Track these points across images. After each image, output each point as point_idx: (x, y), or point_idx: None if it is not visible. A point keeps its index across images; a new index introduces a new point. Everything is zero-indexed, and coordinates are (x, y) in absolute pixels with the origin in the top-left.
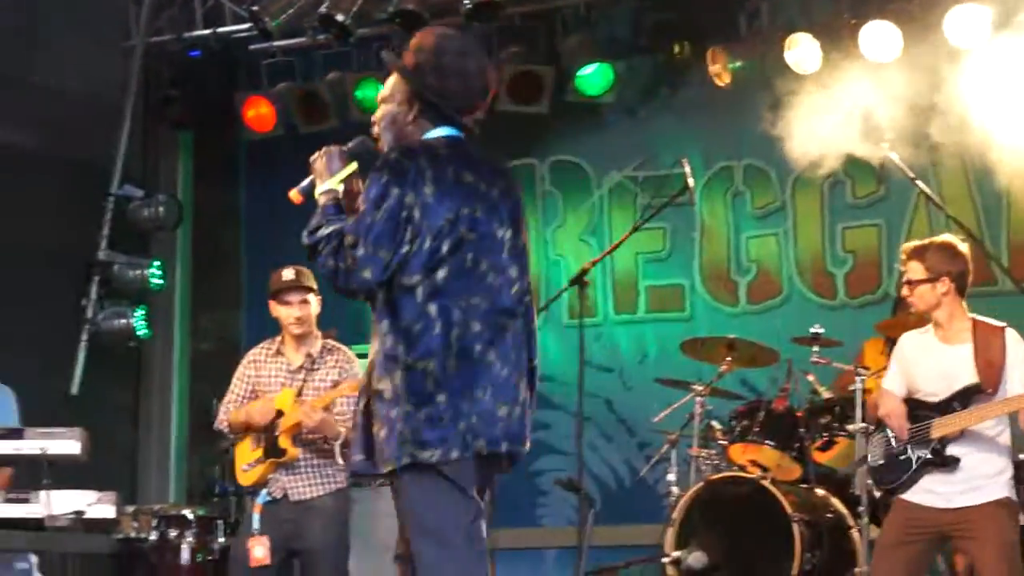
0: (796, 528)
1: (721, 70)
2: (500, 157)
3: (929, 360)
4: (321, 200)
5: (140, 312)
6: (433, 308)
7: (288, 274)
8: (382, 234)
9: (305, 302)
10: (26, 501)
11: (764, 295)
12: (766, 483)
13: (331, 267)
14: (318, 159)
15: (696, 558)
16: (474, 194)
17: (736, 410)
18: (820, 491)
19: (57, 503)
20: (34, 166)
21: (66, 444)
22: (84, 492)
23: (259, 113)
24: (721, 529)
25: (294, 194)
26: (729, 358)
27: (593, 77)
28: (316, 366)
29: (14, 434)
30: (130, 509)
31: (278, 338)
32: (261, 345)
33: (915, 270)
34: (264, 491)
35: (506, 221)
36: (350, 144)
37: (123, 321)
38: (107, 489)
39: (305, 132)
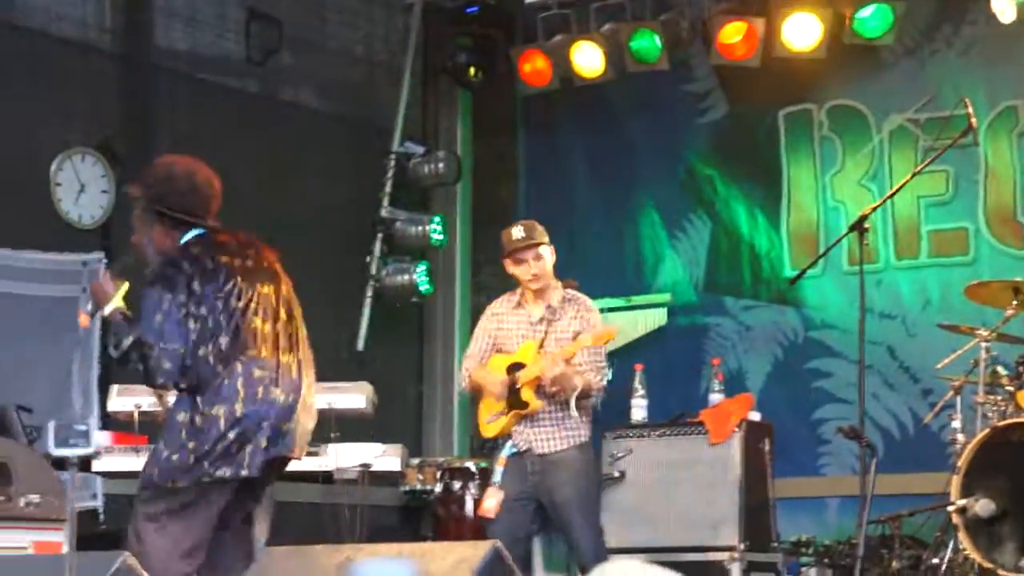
0: None
1: (1005, 5)
2: (244, 231)
3: None
4: (112, 319)
5: (422, 268)
6: (221, 367)
7: (518, 232)
8: (170, 333)
9: (539, 256)
10: (315, 454)
11: None
12: None
13: (142, 370)
14: (93, 287)
15: (983, 506)
16: (231, 270)
17: (1023, 355)
18: None
19: (344, 456)
20: (321, 126)
21: (353, 398)
22: (371, 445)
23: (535, 67)
24: (1009, 477)
25: (83, 319)
26: (1016, 302)
27: (872, 19)
28: (557, 316)
29: None
30: (415, 462)
31: (518, 290)
32: (502, 298)
33: None
34: (509, 443)
35: (266, 279)
36: (113, 267)
37: (406, 277)
38: (393, 442)
39: (580, 84)
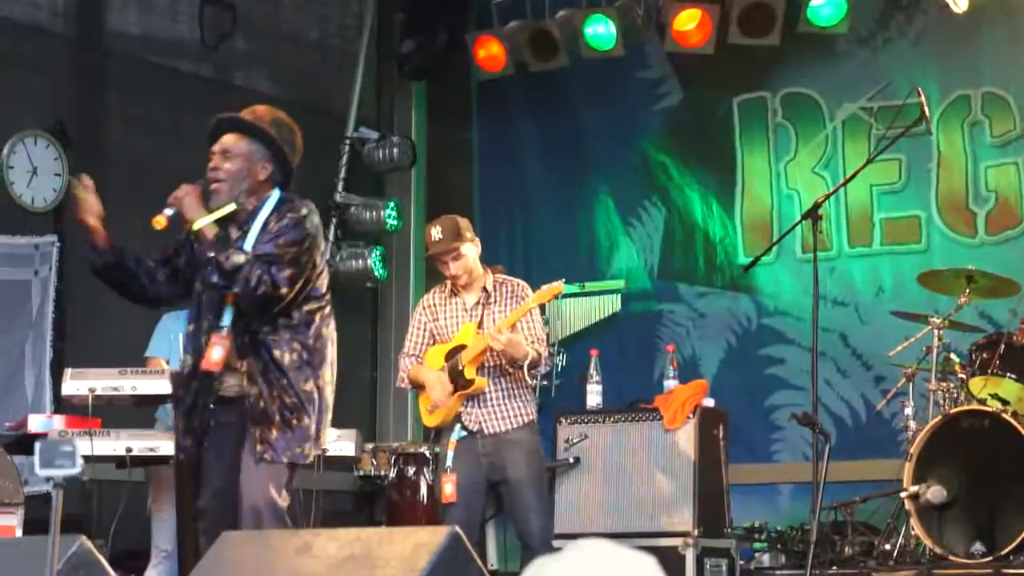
0: None
1: None
2: None
3: None
4: (208, 233)
5: (377, 253)
6: (324, 328)
7: (436, 235)
8: (297, 274)
9: (458, 258)
10: None
11: (1003, 225)
12: (1007, 416)
13: (252, 289)
14: (185, 196)
15: (935, 493)
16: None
17: (976, 343)
18: None
19: None
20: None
21: None
22: None
23: (489, 53)
24: (960, 463)
25: (160, 221)
26: (968, 290)
27: (826, 7)
28: (492, 299)
29: None
30: (370, 447)
31: (448, 281)
32: (434, 290)
33: None
34: (458, 427)
35: None
36: (201, 183)
37: (361, 262)
38: (347, 428)
39: (535, 70)
